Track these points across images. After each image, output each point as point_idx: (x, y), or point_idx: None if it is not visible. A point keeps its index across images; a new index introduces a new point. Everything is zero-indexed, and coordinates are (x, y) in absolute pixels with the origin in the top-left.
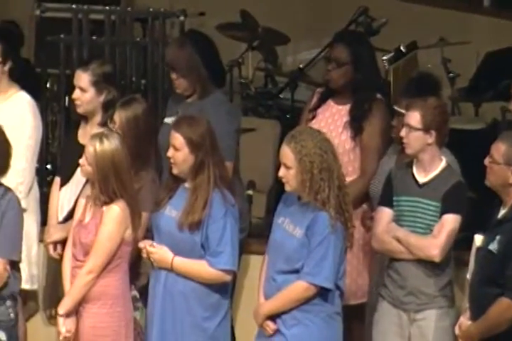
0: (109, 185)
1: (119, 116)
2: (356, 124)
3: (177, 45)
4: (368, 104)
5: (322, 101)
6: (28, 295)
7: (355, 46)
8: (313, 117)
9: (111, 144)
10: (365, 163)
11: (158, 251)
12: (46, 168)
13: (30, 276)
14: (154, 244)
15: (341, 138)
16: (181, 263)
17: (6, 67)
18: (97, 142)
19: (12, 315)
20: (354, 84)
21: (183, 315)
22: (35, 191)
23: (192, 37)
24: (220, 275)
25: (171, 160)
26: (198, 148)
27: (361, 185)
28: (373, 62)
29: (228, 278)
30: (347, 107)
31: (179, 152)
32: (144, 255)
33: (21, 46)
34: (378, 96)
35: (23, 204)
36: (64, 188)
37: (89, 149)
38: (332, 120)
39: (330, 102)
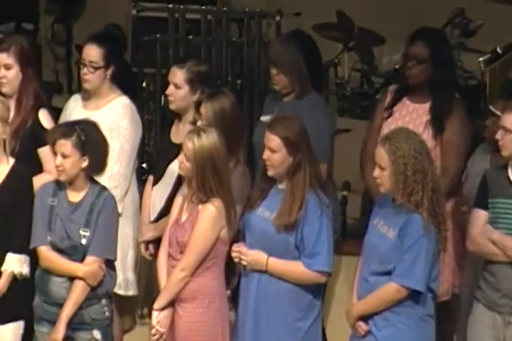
0: (206, 180)
1: (206, 109)
2: (438, 123)
3: (282, 41)
4: (448, 103)
5: (397, 99)
6: (123, 302)
7: (435, 43)
8: (389, 115)
9: (209, 139)
10: (446, 161)
11: (252, 253)
12: (142, 167)
13: (125, 282)
14: (247, 245)
15: (423, 137)
16: (276, 264)
17: (109, 72)
18: (195, 137)
19: (107, 314)
20: (432, 82)
21: (276, 315)
22: (133, 195)
23: (297, 36)
24: (316, 276)
25: (267, 163)
26: (296, 149)
27: (444, 183)
28: (452, 60)
29: (323, 279)
30: (425, 106)
31: (276, 154)
32: (236, 259)
33: (125, 50)
34: (456, 95)
35: (119, 208)
36: (155, 187)
37: (188, 145)
38: (410, 118)
39: (405, 100)
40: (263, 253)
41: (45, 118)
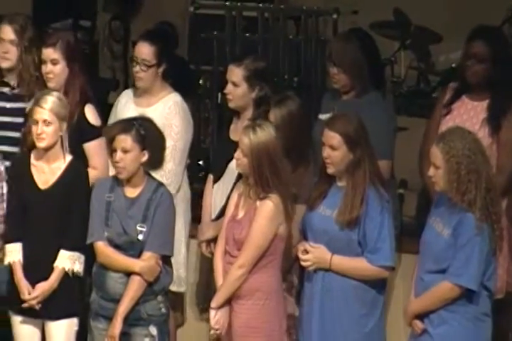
0: (263, 175)
1: (274, 115)
2: (494, 121)
3: (342, 40)
4: (506, 101)
5: (456, 96)
6: (175, 298)
7: (494, 42)
8: (448, 113)
9: (265, 133)
10: (502, 159)
11: (316, 251)
12: (198, 164)
13: (177, 278)
14: (311, 243)
15: (479, 136)
16: (340, 261)
17: (161, 69)
18: (251, 132)
19: (163, 310)
20: (491, 80)
21: (341, 312)
22: (185, 193)
23: (357, 34)
24: (380, 271)
25: (327, 161)
26: (356, 145)
27: (499, 181)
28: (510, 59)
29: (387, 274)
30: (483, 104)
31: (337, 151)
32: (301, 256)
33: (176, 48)
34: None
35: None
36: (216, 185)
37: (244, 140)
38: (468, 117)
39: (464, 98)
40: (327, 251)
41: (90, 113)
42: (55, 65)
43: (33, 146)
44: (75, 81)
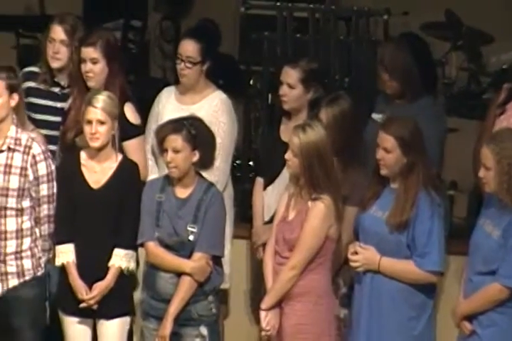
0: (314, 175)
1: (326, 114)
2: None
3: (394, 47)
4: None
5: (510, 97)
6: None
7: None
8: (502, 113)
9: (315, 133)
10: None
11: (365, 252)
12: (248, 165)
13: None
14: (361, 244)
15: None
16: (389, 263)
17: (205, 67)
18: (301, 132)
19: (214, 310)
20: None
21: (389, 315)
22: (230, 191)
23: (409, 39)
24: (428, 276)
25: (381, 162)
26: (410, 149)
27: None
28: None
29: (435, 279)
30: None
31: (391, 154)
32: (352, 264)
33: (219, 45)
34: None
35: None
36: (270, 188)
37: (294, 140)
38: None
39: None
40: (376, 253)
41: (130, 112)
42: (94, 64)
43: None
44: (114, 80)
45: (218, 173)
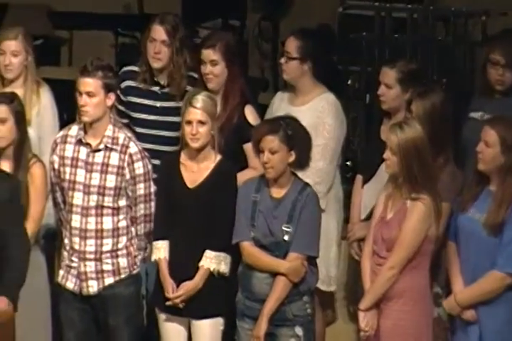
0: (413, 172)
1: (417, 106)
2: None
3: (509, 41)
4: None
5: None
6: (325, 297)
7: None
8: None
9: (412, 130)
10: None
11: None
12: (346, 165)
13: (327, 277)
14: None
15: None
16: (465, 294)
17: (305, 66)
18: (398, 130)
19: (309, 311)
20: None
21: (486, 318)
22: (337, 192)
23: None
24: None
25: (479, 156)
26: (510, 151)
27: None
28: None
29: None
30: None
31: (490, 148)
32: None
33: (329, 50)
34: None
35: (322, 205)
36: (366, 186)
37: (392, 138)
38: None
39: None
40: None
41: (251, 114)
42: (214, 65)
43: (187, 146)
44: (234, 82)
45: (321, 174)
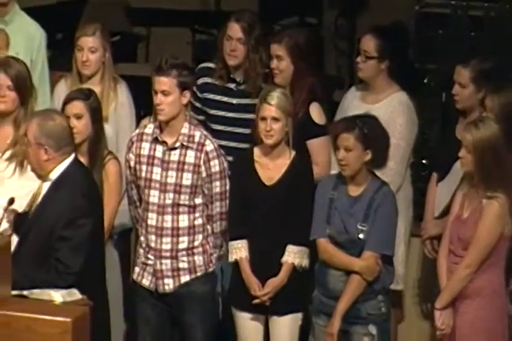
0: (488, 171)
1: (492, 101)
2: None
3: None
4: None
5: None
6: (392, 296)
7: None
8: None
9: (488, 129)
10: None
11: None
12: (422, 163)
13: (395, 276)
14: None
15: None
16: None
17: (383, 65)
18: (473, 128)
19: (383, 309)
20: None
21: None
22: (406, 192)
23: None
24: None
25: None
26: None
27: None
28: None
29: None
30: None
31: None
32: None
33: (406, 49)
34: None
35: None
36: (440, 184)
37: (467, 136)
38: None
39: None
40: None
41: (315, 112)
42: (280, 61)
43: (261, 142)
44: (301, 79)
45: (392, 174)
